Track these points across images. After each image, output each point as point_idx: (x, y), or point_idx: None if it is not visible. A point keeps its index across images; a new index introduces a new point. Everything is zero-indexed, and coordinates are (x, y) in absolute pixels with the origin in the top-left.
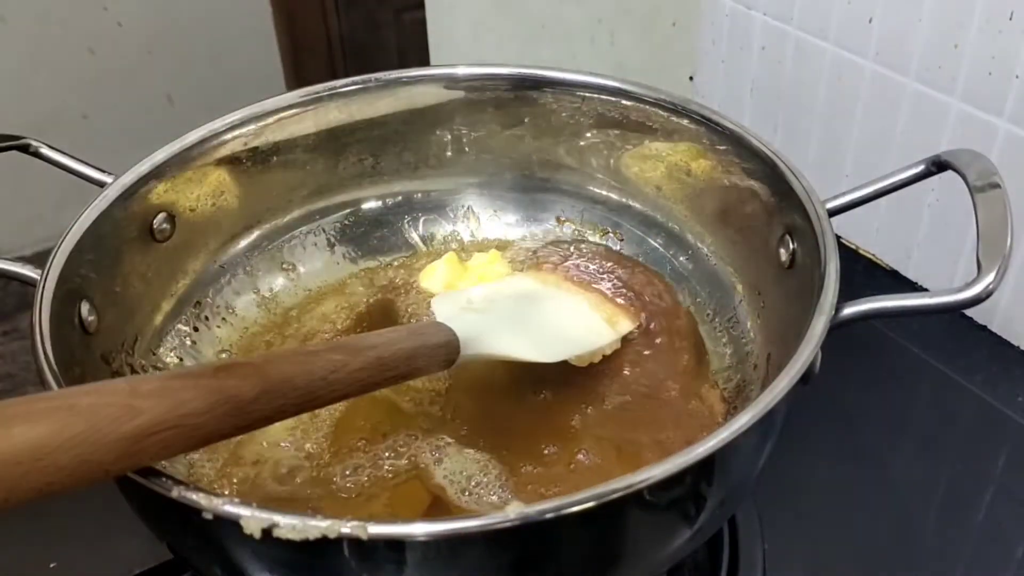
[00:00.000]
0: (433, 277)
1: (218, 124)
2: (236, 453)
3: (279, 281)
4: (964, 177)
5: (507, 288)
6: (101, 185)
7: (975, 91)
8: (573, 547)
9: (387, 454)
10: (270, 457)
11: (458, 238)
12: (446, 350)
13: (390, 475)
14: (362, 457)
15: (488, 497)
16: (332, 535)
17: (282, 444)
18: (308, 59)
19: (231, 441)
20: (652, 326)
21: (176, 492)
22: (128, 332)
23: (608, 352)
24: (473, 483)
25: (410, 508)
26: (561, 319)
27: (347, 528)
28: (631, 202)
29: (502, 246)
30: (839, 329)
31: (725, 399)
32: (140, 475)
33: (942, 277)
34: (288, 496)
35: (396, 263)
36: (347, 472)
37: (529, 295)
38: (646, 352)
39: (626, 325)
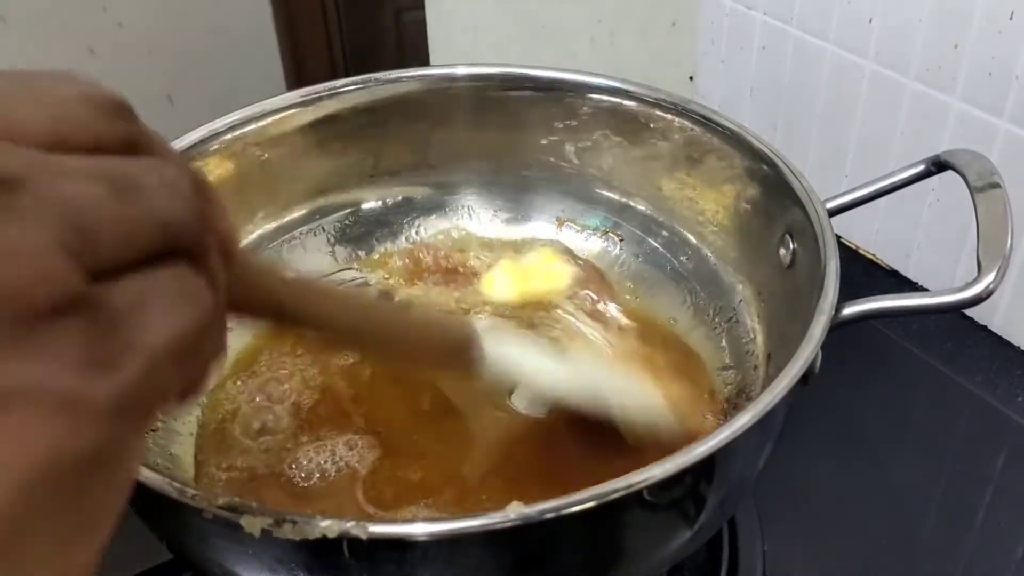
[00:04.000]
0: (496, 286)
1: (218, 124)
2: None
3: None
4: (964, 177)
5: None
6: None
7: (975, 91)
8: (573, 547)
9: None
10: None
11: (458, 238)
12: (459, 345)
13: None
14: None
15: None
16: (332, 535)
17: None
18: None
19: None
20: None
21: (176, 492)
22: None
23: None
24: None
25: None
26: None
27: (347, 528)
28: (631, 202)
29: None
30: (839, 329)
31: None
32: (140, 475)
33: (942, 277)
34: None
35: (397, 263)
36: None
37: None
38: None
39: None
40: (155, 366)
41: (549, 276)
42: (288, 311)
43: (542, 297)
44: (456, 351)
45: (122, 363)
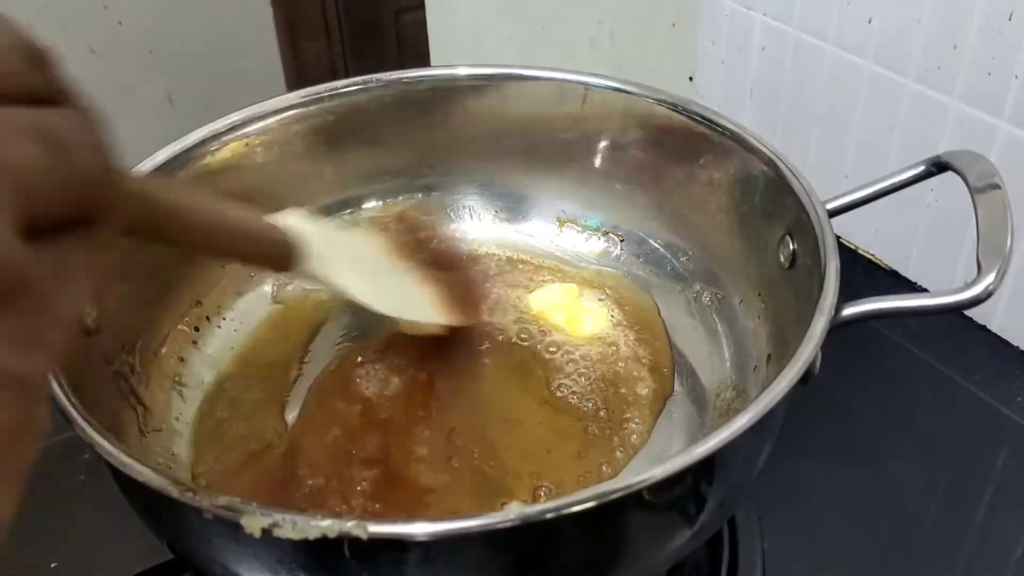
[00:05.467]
0: (544, 298)
1: (219, 124)
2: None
3: (281, 280)
4: (964, 178)
5: (363, 239)
6: None
7: (974, 92)
8: (573, 547)
9: None
10: None
11: (458, 238)
12: (279, 246)
13: None
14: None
15: None
16: (332, 534)
17: None
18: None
19: None
20: None
21: (176, 492)
22: (130, 332)
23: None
24: None
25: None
26: (404, 283)
27: (347, 527)
28: (631, 202)
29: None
30: (839, 329)
31: None
32: (141, 475)
33: (942, 278)
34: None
35: None
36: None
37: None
38: None
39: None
40: (71, 337)
41: (575, 315)
42: (162, 234)
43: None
44: (273, 254)
45: (50, 339)
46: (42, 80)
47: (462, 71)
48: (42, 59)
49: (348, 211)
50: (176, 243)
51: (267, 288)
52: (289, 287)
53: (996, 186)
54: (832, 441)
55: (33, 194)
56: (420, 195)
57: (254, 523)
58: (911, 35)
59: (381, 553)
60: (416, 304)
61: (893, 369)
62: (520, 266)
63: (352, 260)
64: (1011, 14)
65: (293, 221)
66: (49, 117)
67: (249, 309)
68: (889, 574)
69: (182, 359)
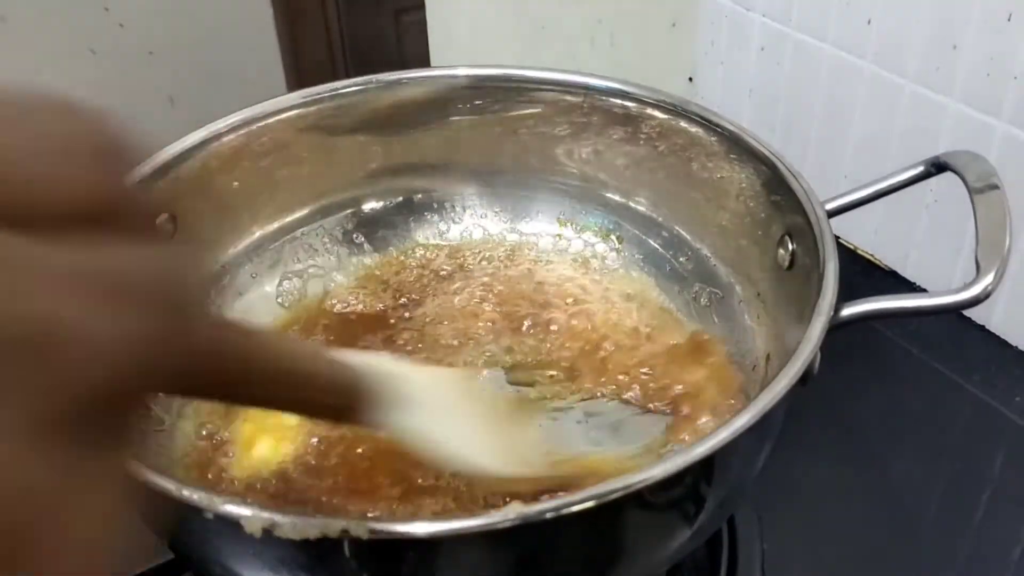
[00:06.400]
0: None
1: (219, 125)
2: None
3: (280, 281)
4: (963, 178)
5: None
6: None
7: (973, 92)
8: (573, 547)
9: None
10: None
11: (458, 238)
12: (347, 394)
13: None
14: None
15: None
16: (332, 534)
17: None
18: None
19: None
20: None
21: (176, 492)
22: None
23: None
24: None
25: None
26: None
27: (347, 527)
28: (631, 202)
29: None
30: (838, 330)
31: None
32: (140, 475)
33: (941, 278)
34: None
35: (397, 265)
36: None
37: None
38: None
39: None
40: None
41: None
42: (219, 394)
43: None
44: (338, 400)
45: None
46: (107, 193)
47: (462, 71)
48: (116, 160)
49: (348, 211)
50: (232, 402)
51: (268, 288)
52: (290, 287)
53: (995, 186)
54: (831, 441)
55: (75, 381)
56: (420, 195)
57: (254, 523)
58: (910, 36)
59: (381, 553)
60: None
61: (892, 369)
62: (520, 266)
63: (452, 407)
64: (1010, 15)
65: (375, 362)
66: (116, 258)
67: (250, 309)
68: (889, 574)
69: None
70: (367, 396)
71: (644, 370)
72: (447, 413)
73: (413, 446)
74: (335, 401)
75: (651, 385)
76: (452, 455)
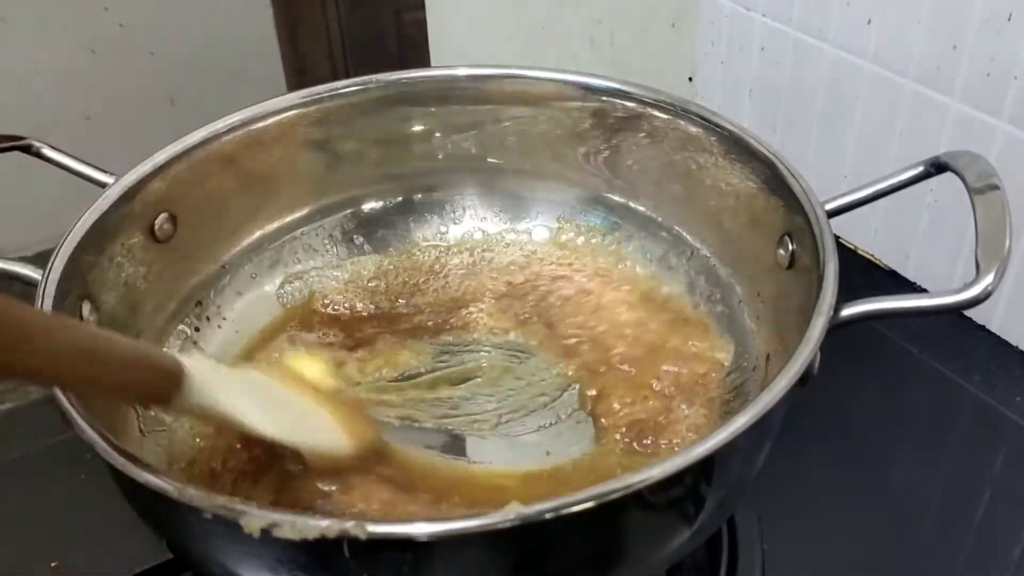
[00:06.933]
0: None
1: (219, 125)
2: None
3: (280, 281)
4: (963, 179)
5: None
6: (103, 186)
7: (974, 92)
8: (573, 547)
9: None
10: None
11: (458, 238)
12: (163, 374)
13: None
14: None
15: None
16: (331, 535)
17: None
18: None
19: None
20: None
21: (176, 492)
22: (129, 332)
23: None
24: None
25: None
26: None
27: (347, 527)
28: (631, 202)
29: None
30: (838, 330)
31: None
32: (141, 475)
33: (941, 278)
34: None
35: (396, 265)
36: None
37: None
38: None
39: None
40: None
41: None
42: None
43: None
44: (158, 384)
45: None
46: None
47: (462, 71)
48: None
49: (349, 211)
50: (30, 373)
51: (268, 288)
52: (290, 287)
53: (995, 186)
54: (831, 441)
55: None
56: (420, 195)
57: (254, 523)
58: (910, 36)
59: (381, 553)
60: (318, 430)
61: (892, 369)
62: (520, 266)
63: (246, 389)
64: (1010, 15)
65: (183, 358)
66: None
67: (249, 309)
68: (889, 574)
69: None
70: (183, 380)
71: (640, 369)
72: (242, 395)
73: (217, 418)
74: (155, 382)
75: (646, 385)
76: (245, 424)
